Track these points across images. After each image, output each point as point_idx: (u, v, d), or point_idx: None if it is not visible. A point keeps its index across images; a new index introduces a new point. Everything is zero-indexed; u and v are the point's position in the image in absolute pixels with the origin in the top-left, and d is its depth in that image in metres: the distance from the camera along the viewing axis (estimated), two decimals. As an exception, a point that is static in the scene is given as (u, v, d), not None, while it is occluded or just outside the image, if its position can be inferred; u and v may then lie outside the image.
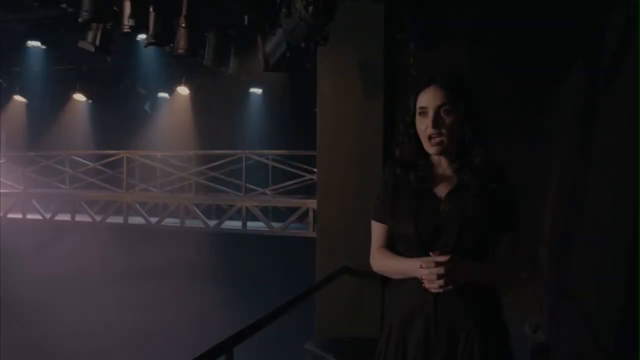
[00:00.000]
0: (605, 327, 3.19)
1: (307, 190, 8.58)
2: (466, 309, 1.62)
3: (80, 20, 4.18)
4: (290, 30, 2.74)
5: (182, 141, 9.48)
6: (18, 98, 9.42)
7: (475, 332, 1.63)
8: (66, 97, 9.46)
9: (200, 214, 8.69)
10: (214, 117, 9.15)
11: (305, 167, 8.61)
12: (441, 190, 1.70)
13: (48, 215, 9.62)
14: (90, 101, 9.72)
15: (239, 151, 8.82)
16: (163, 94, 10.01)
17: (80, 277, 8.54)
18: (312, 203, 8.03)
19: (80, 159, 9.87)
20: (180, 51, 5.12)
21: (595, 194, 3.53)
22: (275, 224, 8.44)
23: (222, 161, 8.95)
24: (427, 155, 1.73)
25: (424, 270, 1.56)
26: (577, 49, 4.03)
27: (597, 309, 3.33)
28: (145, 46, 4.96)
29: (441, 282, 1.54)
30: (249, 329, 2.19)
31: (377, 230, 1.77)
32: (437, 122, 1.64)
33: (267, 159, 8.99)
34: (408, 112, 1.73)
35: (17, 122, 9.97)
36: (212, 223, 8.65)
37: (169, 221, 8.93)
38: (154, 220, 8.97)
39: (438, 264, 1.54)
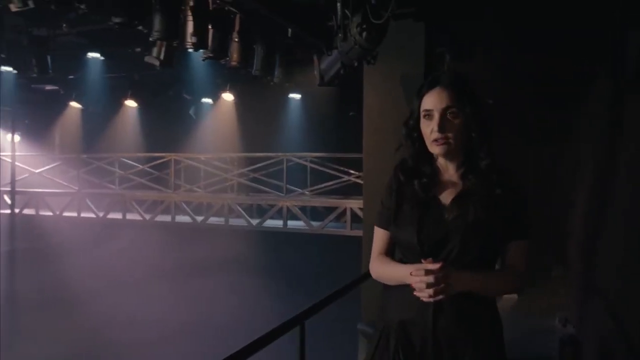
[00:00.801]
0: (632, 321, 3.32)
1: (344, 191, 9.00)
2: (460, 319, 1.55)
3: (151, 39, 4.70)
4: (345, 52, 3.16)
5: (226, 144, 10.00)
6: (74, 104, 10.08)
7: (468, 344, 1.57)
8: (118, 104, 10.09)
9: (243, 212, 9.18)
10: (256, 122, 9.64)
11: (342, 169, 9.03)
12: (446, 197, 1.63)
13: (101, 214, 10.27)
14: (140, 107, 10.31)
15: (279, 154, 9.29)
16: (207, 100, 10.56)
17: (132, 271, 9.12)
18: (349, 203, 8.44)
19: (129, 161, 10.50)
20: (234, 63, 5.63)
21: (621, 194, 3.65)
22: (314, 223, 8.88)
23: (264, 163, 9.44)
24: (432, 160, 1.67)
25: (414, 277, 1.51)
26: (602, 57, 4.27)
27: (624, 303, 3.45)
28: (203, 60, 5.46)
29: (431, 291, 1.48)
30: (318, 304, 2.59)
31: (379, 236, 1.73)
32: (443, 125, 1.58)
33: (306, 161, 9.43)
34: (411, 114, 1.67)
35: (73, 127, 10.67)
36: (254, 222, 9.14)
37: (213, 220, 9.46)
38: (199, 218, 9.51)
39: (428, 272, 1.48)
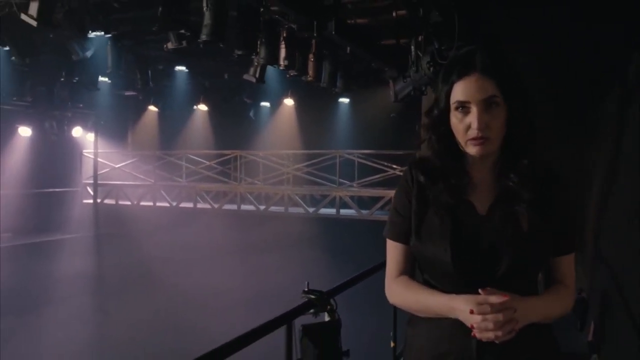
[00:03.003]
0: (629, 281, 3.90)
1: (387, 183, 10.31)
2: (510, 354, 1.24)
3: (256, 63, 6.14)
4: (417, 80, 4.50)
5: (286, 142, 11.44)
6: (152, 108, 11.60)
7: None
8: (191, 108, 11.61)
9: (301, 202, 10.60)
10: (312, 122, 11.04)
11: (386, 163, 10.36)
12: (481, 202, 1.32)
13: (174, 203, 11.80)
14: (210, 110, 11.81)
15: (332, 150, 10.68)
16: (265, 103, 12.01)
17: (204, 251, 10.57)
18: (393, 193, 9.73)
19: (197, 158, 12.01)
20: (310, 79, 7.04)
21: (622, 186, 4.39)
22: (363, 211, 10.23)
23: (319, 159, 10.83)
24: (460, 157, 1.34)
25: (476, 316, 1.19)
26: (616, 75, 4.87)
27: (624, 269, 4.03)
28: (289, 77, 6.87)
29: (499, 332, 1.17)
30: (346, 282, 2.99)
31: (396, 252, 1.39)
32: (484, 122, 1.24)
33: (354, 156, 10.79)
34: (436, 103, 1.33)
35: (150, 128, 12.23)
36: (311, 209, 10.55)
37: (274, 208, 10.90)
38: (262, 207, 10.96)
39: (495, 309, 1.18)
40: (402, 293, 1.36)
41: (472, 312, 1.19)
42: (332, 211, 10.46)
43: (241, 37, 5.48)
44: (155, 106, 11.28)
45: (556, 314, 1.34)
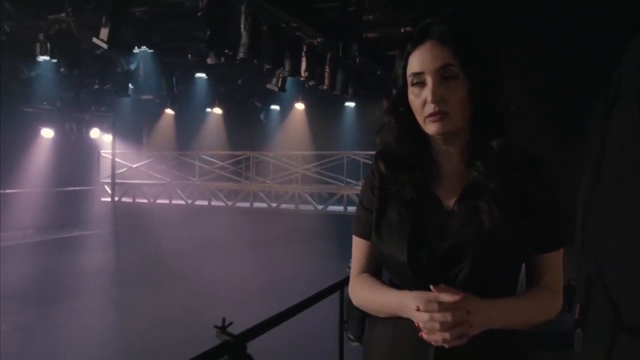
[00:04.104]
0: (608, 267, 4.17)
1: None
2: None
3: (281, 76, 6.85)
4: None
5: (296, 144, 12.17)
6: (168, 111, 12.28)
7: None
8: (206, 111, 12.31)
9: (311, 199, 11.33)
10: (321, 125, 11.78)
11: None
12: (448, 195, 1.16)
13: (189, 201, 12.49)
14: (224, 113, 12.51)
15: (340, 152, 11.42)
16: (275, 107, 12.73)
17: (219, 245, 11.23)
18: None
19: (211, 158, 12.71)
20: (326, 88, 7.75)
21: (605, 181, 4.65)
22: (368, 208, 10.94)
23: (328, 159, 11.57)
24: (425, 143, 1.18)
25: (422, 314, 1.04)
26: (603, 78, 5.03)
27: (608, 260, 4.22)
28: (307, 86, 7.58)
29: (446, 334, 1.02)
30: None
31: (359, 249, 1.26)
32: (439, 93, 1.09)
33: (360, 157, 11.52)
34: (394, 81, 1.17)
35: (168, 130, 12.93)
36: (319, 207, 11.28)
37: (285, 205, 11.63)
38: (273, 204, 11.69)
39: (443, 307, 1.03)
40: (359, 292, 1.24)
41: (419, 309, 1.05)
42: (339, 208, 11.20)
43: (270, 53, 6.20)
44: (172, 109, 11.94)
45: (532, 320, 1.16)
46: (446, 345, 1.04)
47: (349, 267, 3.22)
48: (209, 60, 5.83)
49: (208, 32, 4.97)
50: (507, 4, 5.52)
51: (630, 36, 3.98)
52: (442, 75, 1.10)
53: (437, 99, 1.09)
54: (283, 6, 4.73)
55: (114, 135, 13.42)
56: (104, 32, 4.58)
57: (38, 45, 6.68)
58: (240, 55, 5.49)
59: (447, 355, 1.07)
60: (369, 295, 1.22)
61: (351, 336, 3.20)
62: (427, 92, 1.10)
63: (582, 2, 4.90)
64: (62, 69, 6.67)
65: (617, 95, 4.58)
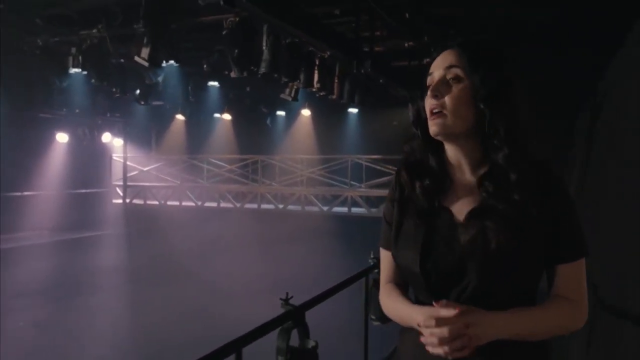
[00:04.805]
0: (595, 260, 4.26)
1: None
2: None
3: (295, 87, 7.44)
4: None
5: (302, 148, 12.74)
6: (179, 116, 12.82)
7: None
8: (216, 116, 12.85)
9: (317, 201, 11.91)
10: (326, 131, 12.37)
11: (391, 167, 11.67)
12: (460, 209, 1.19)
13: (199, 203, 13.03)
14: (233, 119, 13.05)
15: (344, 155, 12.01)
16: (280, 112, 13.31)
17: (229, 244, 11.74)
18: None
19: (219, 162, 13.26)
20: (335, 97, 8.33)
21: (592, 187, 5.07)
22: (372, 209, 11.57)
23: (332, 163, 12.15)
24: (440, 154, 1.24)
25: (424, 329, 1.12)
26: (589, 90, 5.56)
27: (597, 264, 4.48)
28: (318, 96, 8.15)
29: (446, 348, 1.08)
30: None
31: (385, 260, 1.34)
32: (438, 90, 1.16)
33: (363, 161, 12.10)
34: (421, 93, 1.23)
35: (178, 134, 13.46)
36: (325, 208, 11.86)
37: (291, 207, 12.20)
38: (280, 206, 12.25)
39: (441, 322, 1.09)
40: (385, 301, 1.31)
41: (419, 325, 1.12)
42: (344, 209, 11.77)
43: (288, 68, 6.77)
44: (183, 115, 12.48)
45: (549, 330, 1.17)
46: (450, 358, 1.10)
47: (371, 258, 3.68)
48: (233, 74, 6.38)
49: (236, 51, 5.53)
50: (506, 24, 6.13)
51: (612, 53, 4.48)
52: (446, 76, 1.19)
53: (435, 93, 1.18)
54: (303, 28, 5.31)
55: (124, 140, 13.94)
56: (145, 52, 5.15)
57: (70, 58, 7.24)
58: (262, 70, 6.07)
59: None
60: (391, 305, 1.29)
61: (373, 317, 3.79)
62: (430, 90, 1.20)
63: (571, 26, 5.42)
64: (93, 80, 7.23)
65: (601, 103, 5.07)
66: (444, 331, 1.08)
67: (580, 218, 1.20)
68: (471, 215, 1.17)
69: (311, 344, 2.55)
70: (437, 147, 1.25)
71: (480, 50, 1.19)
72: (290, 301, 2.58)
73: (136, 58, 5.24)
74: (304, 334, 2.57)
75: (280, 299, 2.59)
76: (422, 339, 1.13)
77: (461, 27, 5.48)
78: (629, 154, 3.54)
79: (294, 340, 2.52)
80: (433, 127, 1.19)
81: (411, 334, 1.21)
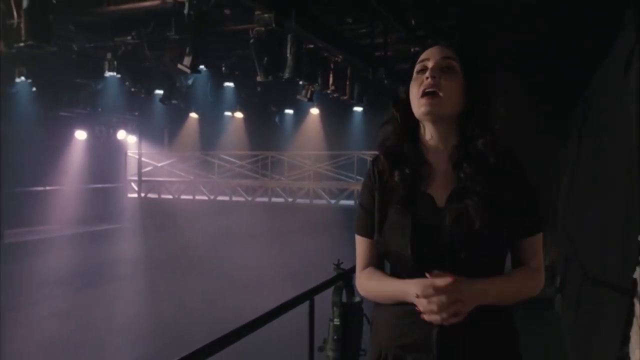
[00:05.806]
0: (582, 245, 4.78)
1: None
2: (471, 338, 1.25)
3: (312, 89, 8.13)
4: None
5: (310, 145, 13.44)
6: (193, 115, 13.46)
7: None
8: (228, 115, 13.52)
9: (324, 194, 12.62)
10: (333, 128, 13.07)
11: (394, 162, 12.36)
12: (440, 193, 1.31)
13: (212, 197, 13.69)
14: (244, 117, 13.73)
15: (350, 152, 12.72)
16: (289, 111, 14.00)
17: (241, 237, 12.35)
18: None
19: (231, 158, 13.91)
20: (345, 98, 9.02)
21: (581, 180, 5.67)
22: (376, 202, 12.24)
23: (338, 159, 12.87)
24: (418, 142, 1.35)
25: (421, 299, 1.22)
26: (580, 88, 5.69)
27: (584, 246, 4.67)
28: (330, 97, 8.84)
29: (444, 314, 1.20)
30: None
31: (362, 246, 1.42)
32: (437, 73, 1.28)
33: (368, 156, 12.77)
34: (405, 82, 1.36)
35: (192, 132, 14.10)
36: (332, 201, 12.57)
37: (300, 200, 12.90)
38: (290, 199, 12.95)
39: (439, 291, 1.20)
40: (366, 283, 1.40)
41: (417, 296, 1.21)
42: (350, 202, 12.44)
43: (308, 72, 7.43)
44: (196, 113, 13.13)
45: (518, 296, 1.31)
46: (446, 323, 1.21)
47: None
48: (259, 79, 7.05)
49: (266, 58, 6.20)
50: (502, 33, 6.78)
51: (599, 62, 4.82)
52: (442, 65, 1.30)
53: (434, 74, 1.27)
54: (326, 39, 6.00)
55: (139, 137, 14.57)
56: (187, 60, 5.80)
57: (106, 63, 7.87)
58: (287, 75, 6.75)
59: (448, 332, 1.23)
60: (376, 285, 1.37)
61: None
62: (427, 73, 1.29)
63: (563, 35, 5.66)
64: (127, 83, 7.87)
65: (590, 105, 5.44)
66: (442, 298, 1.19)
67: (540, 198, 1.38)
68: (452, 197, 1.29)
69: (357, 299, 3.26)
70: (413, 132, 1.37)
71: (471, 50, 1.34)
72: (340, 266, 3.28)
73: (179, 66, 5.88)
74: (351, 292, 3.28)
75: (333, 263, 3.29)
76: (421, 308, 1.23)
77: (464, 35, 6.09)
78: (610, 151, 4.05)
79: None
80: (426, 107, 1.28)
81: (389, 307, 1.33)
